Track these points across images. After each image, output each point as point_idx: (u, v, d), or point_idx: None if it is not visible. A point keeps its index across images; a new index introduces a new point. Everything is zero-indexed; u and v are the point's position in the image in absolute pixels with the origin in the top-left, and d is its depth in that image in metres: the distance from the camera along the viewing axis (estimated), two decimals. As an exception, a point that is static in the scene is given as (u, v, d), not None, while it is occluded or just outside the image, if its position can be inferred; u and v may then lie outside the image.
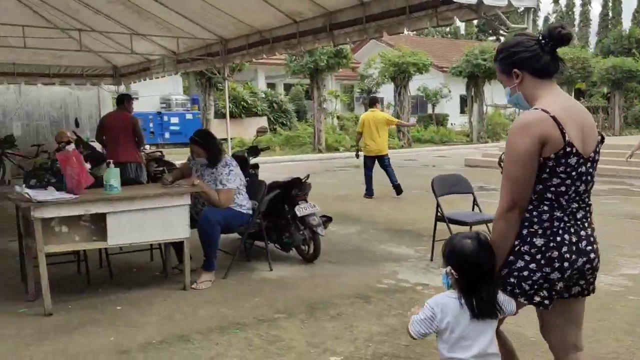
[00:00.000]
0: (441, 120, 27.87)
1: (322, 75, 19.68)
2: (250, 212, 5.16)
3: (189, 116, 21.16)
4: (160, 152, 8.69)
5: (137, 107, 20.70)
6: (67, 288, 4.73)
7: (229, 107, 21.21)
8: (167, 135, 20.68)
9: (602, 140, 2.22)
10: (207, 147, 5.05)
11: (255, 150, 6.68)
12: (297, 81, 25.64)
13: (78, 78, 13.30)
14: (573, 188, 2.12)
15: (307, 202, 5.58)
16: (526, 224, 2.13)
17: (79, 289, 4.73)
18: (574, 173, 2.09)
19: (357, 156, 10.00)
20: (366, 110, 10.70)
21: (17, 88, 13.62)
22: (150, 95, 22.11)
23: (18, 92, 13.80)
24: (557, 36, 2.13)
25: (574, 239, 2.13)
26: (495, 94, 24.31)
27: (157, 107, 22.47)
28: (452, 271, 2.15)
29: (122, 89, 13.77)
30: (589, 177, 2.17)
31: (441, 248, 2.26)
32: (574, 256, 2.12)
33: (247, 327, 3.87)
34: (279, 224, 5.63)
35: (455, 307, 2.12)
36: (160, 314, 4.12)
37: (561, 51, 2.22)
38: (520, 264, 2.13)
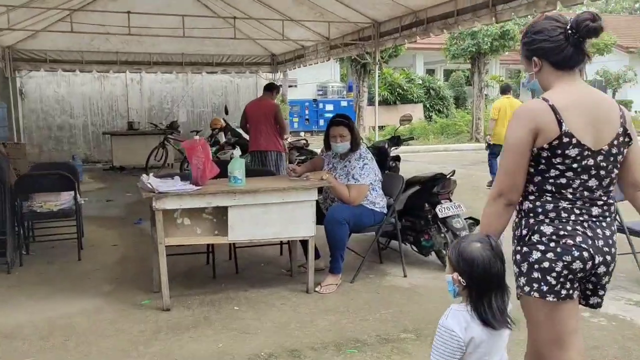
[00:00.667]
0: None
1: (485, 59, 18.29)
2: (385, 210, 4.64)
3: (343, 103, 21.10)
4: (305, 140, 8.46)
5: (295, 94, 21.41)
6: (193, 280, 4.64)
7: (384, 94, 20.97)
8: (321, 122, 20.84)
9: (625, 134, 2.04)
10: (352, 129, 4.65)
11: (396, 141, 6.09)
12: (457, 66, 24.30)
13: (238, 66, 13.75)
14: (578, 182, 2.01)
15: (451, 201, 4.91)
16: (531, 214, 2.06)
17: (204, 282, 4.60)
18: (575, 165, 1.99)
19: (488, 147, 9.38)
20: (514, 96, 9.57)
21: (185, 77, 14.52)
22: (308, 82, 22.49)
23: (185, 80, 14.71)
24: (584, 29, 1.99)
25: (589, 233, 2.01)
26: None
27: (314, 94, 22.77)
28: (460, 278, 1.95)
29: (278, 76, 14.02)
30: (603, 172, 2.03)
31: (448, 252, 2.09)
32: (592, 249, 1.99)
33: (367, 346, 3.37)
34: (417, 224, 5.04)
35: (475, 321, 1.94)
36: (276, 319, 3.79)
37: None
38: (537, 255, 2.02)
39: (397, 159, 6.01)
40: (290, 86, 21.07)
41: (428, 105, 22.88)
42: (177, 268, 4.82)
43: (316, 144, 16.92)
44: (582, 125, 1.97)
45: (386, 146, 5.79)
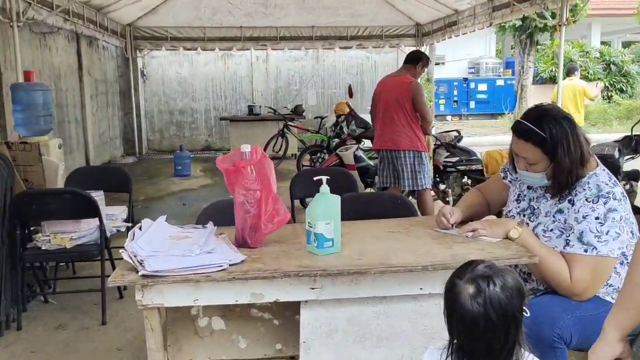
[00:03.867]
0: None
1: (694, 23, 14.21)
2: None
3: (499, 82, 18.12)
4: (457, 132, 5.99)
5: (442, 72, 18.74)
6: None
7: (551, 69, 17.52)
8: (472, 104, 18.08)
9: None
10: (549, 146, 2.01)
11: (636, 143, 3.43)
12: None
13: (376, 40, 11.79)
14: None
15: None
16: None
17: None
18: None
19: None
20: None
21: (315, 53, 12.72)
22: (458, 59, 19.74)
23: (315, 57, 12.92)
24: None
25: None
26: None
27: (465, 72, 19.95)
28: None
29: (424, 50, 11.68)
30: None
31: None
32: None
33: None
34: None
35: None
36: None
37: None
38: None
39: (635, 175, 3.34)
40: (437, 63, 18.51)
41: (607, 84, 18.97)
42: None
43: (467, 130, 14.28)
44: None
45: (616, 154, 3.14)
